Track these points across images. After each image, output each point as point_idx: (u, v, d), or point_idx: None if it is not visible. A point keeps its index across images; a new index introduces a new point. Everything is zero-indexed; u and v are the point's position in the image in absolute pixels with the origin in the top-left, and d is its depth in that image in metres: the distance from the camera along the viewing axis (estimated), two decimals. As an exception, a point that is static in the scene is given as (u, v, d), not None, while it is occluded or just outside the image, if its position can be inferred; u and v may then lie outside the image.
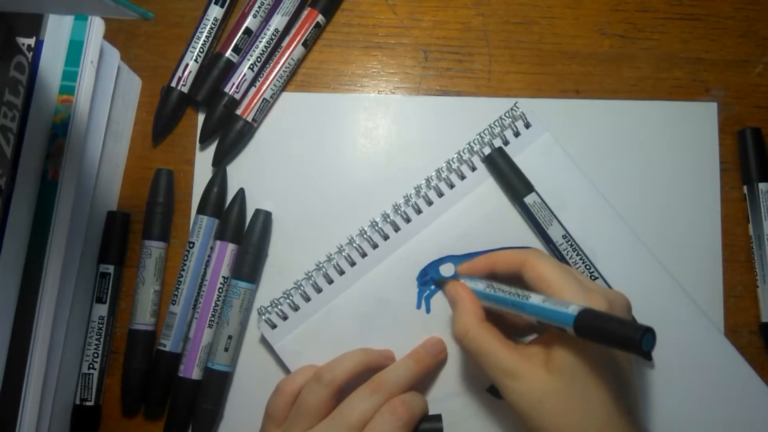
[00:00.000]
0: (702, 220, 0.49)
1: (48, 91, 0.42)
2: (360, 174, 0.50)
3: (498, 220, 0.48)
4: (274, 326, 0.47)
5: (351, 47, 0.52)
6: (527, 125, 0.48)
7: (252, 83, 0.50)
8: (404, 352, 0.47)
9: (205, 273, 0.48)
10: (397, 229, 0.48)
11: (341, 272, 0.48)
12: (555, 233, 0.47)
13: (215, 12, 0.50)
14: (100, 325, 0.47)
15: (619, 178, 0.49)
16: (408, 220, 0.48)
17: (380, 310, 0.48)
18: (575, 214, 0.48)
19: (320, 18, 0.51)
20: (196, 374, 0.47)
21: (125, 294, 0.49)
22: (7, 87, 0.39)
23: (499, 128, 0.48)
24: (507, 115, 0.49)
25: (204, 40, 0.50)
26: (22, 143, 0.41)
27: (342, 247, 0.48)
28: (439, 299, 0.48)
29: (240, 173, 0.50)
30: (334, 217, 0.49)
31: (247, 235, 0.48)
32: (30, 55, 0.42)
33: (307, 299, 0.47)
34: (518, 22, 0.52)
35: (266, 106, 0.50)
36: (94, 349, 0.47)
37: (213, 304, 0.47)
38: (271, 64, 0.50)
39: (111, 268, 0.48)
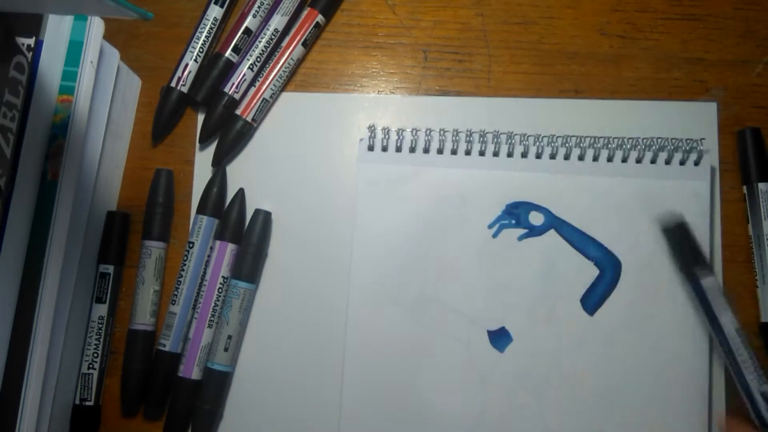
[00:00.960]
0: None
1: (48, 91, 0.42)
2: (360, 174, 0.50)
3: (623, 217, 0.48)
4: (371, 148, 0.48)
5: (351, 47, 0.52)
6: (697, 162, 0.48)
7: (252, 83, 0.50)
8: (456, 250, 0.48)
9: (204, 273, 0.48)
10: (539, 155, 0.48)
11: (453, 152, 0.48)
12: (727, 324, 0.44)
13: (215, 12, 0.50)
14: (100, 325, 0.47)
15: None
16: (553, 157, 0.48)
17: (456, 203, 0.48)
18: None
19: (320, 18, 0.51)
20: (195, 374, 0.47)
21: (125, 294, 0.49)
22: (7, 87, 0.39)
23: (672, 147, 0.48)
24: (687, 141, 0.48)
25: (204, 40, 0.50)
26: (21, 143, 0.41)
27: (470, 133, 0.48)
28: (510, 234, 0.48)
29: (240, 173, 0.50)
30: (334, 217, 0.49)
31: (247, 235, 0.48)
32: (30, 55, 0.42)
33: (413, 151, 0.48)
34: (518, 22, 0.52)
35: (266, 106, 0.50)
36: (94, 349, 0.47)
37: (213, 304, 0.47)
38: (271, 64, 0.50)
39: (111, 269, 0.48)
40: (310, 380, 0.48)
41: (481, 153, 0.49)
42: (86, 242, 0.46)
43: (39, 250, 0.41)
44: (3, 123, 0.39)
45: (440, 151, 0.49)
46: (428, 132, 0.49)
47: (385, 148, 0.49)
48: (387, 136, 0.49)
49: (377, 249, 0.48)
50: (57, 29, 0.44)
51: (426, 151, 0.49)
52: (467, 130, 0.49)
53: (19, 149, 0.41)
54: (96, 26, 0.44)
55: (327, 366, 0.48)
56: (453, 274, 0.48)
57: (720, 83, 0.51)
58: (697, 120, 0.50)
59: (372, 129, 0.49)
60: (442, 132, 0.49)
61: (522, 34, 0.51)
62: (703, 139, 0.48)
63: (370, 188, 0.48)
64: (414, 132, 0.49)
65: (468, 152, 0.49)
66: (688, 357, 0.46)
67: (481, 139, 0.49)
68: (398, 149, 0.49)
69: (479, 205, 0.48)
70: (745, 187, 0.49)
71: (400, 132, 0.49)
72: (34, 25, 0.43)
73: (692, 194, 0.48)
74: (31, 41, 0.43)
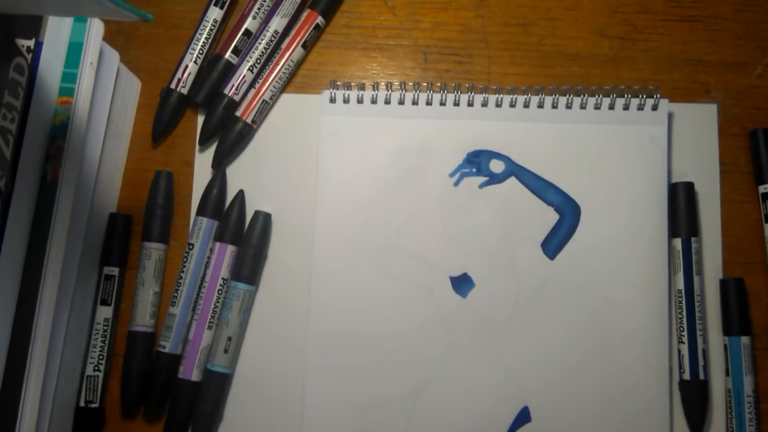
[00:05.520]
0: (701, 222, 0.49)
1: (47, 92, 0.43)
2: (359, 175, 0.50)
3: (582, 162, 0.49)
4: (333, 100, 0.49)
5: (350, 49, 0.52)
6: (654, 108, 0.49)
7: (251, 85, 0.50)
8: (419, 199, 0.49)
9: (204, 274, 0.48)
10: (499, 104, 0.49)
11: (414, 103, 0.49)
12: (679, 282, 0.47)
13: (215, 13, 0.50)
14: (105, 327, 0.47)
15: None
16: (513, 105, 0.49)
17: (418, 152, 0.49)
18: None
19: (320, 19, 0.51)
20: (195, 376, 0.47)
21: (125, 296, 0.49)
22: (7, 89, 0.39)
23: (630, 93, 0.49)
24: (644, 87, 0.49)
25: (203, 42, 0.50)
26: (21, 145, 0.41)
27: (431, 85, 0.49)
28: (471, 182, 0.49)
29: (239, 175, 0.50)
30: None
31: (247, 237, 0.48)
32: (29, 56, 0.42)
33: (374, 102, 0.49)
34: (518, 23, 0.52)
35: (266, 108, 0.50)
36: (99, 351, 0.47)
37: (212, 306, 0.47)
38: (271, 66, 0.50)
39: (116, 271, 0.48)
40: (309, 382, 0.48)
41: (442, 103, 0.49)
42: (86, 243, 0.46)
43: (39, 250, 0.41)
44: (3, 124, 0.39)
45: (401, 102, 0.49)
46: (389, 84, 0.49)
47: (346, 100, 0.49)
48: (349, 89, 0.49)
49: (341, 200, 0.49)
50: (57, 31, 0.44)
51: (387, 102, 0.49)
52: (428, 83, 0.50)
53: (19, 151, 0.41)
54: (96, 28, 0.44)
55: (326, 367, 0.48)
56: (416, 222, 0.48)
57: (720, 85, 0.51)
58: (696, 122, 0.50)
59: (333, 83, 0.49)
60: (403, 84, 0.50)
61: (522, 36, 0.51)
62: (659, 86, 0.49)
63: (333, 140, 0.49)
64: (375, 84, 0.50)
65: (429, 102, 0.49)
66: (647, 299, 0.47)
67: (442, 89, 0.49)
68: (360, 101, 0.49)
69: (441, 154, 0.49)
70: (760, 188, 0.49)
71: (361, 84, 0.49)
72: (33, 26, 0.43)
73: (649, 138, 0.49)
74: (31, 43, 0.43)
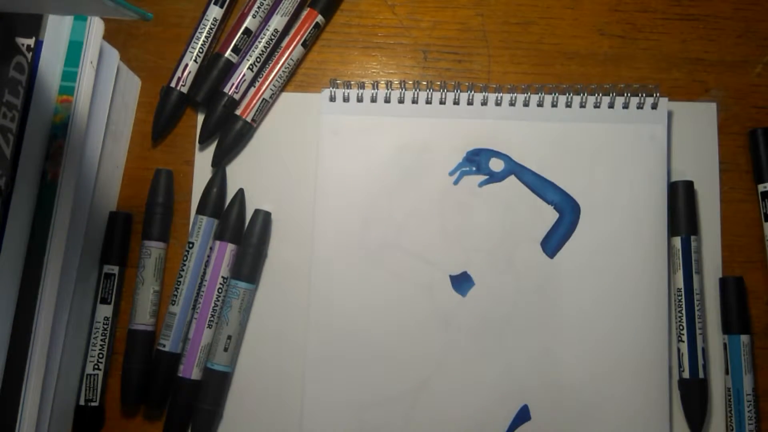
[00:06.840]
0: (701, 220, 0.49)
1: (47, 91, 0.43)
2: (359, 174, 0.50)
3: (581, 161, 0.49)
4: (333, 99, 0.49)
5: (350, 47, 0.52)
6: (654, 106, 0.49)
7: (251, 83, 0.50)
8: (418, 198, 0.49)
9: (204, 273, 0.48)
10: (499, 103, 0.49)
11: (414, 101, 0.49)
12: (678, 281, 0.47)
13: (215, 12, 0.50)
14: (105, 326, 0.47)
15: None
16: (512, 104, 0.49)
17: (417, 151, 0.49)
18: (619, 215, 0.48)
19: (319, 18, 0.51)
20: (195, 374, 0.47)
21: (125, 294, 0.49)
22: (7, 87, 0.39)
23: (630, 92, 0.49)
24: (643, 86, 0.49)
25: (203, 41, 0.50)
26: (21, 144, 0.41)
27: (431, 84, 0.49)
28: (471, 180, 0.49)
29: (239, 173, 0.50)
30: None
31: (247, 236, 0.48)
32: (29, 55, 0.42)
33: (374, 101, 0.49)
34: (517, 22, 0.52)
35: (266, 107, 0.50)
36: (99, 349, 0.47)
37: (212, 304, 0.47)
38: (271, 65, 0.50)
39: (116, 269, 0.48)
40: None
41: (442, 102, 0.49)
42: (86, 242, 0.46)
43: (39, 250, 0.41)
44: (3, 123, 0.39)
45: (401, 101, 0.49)
46: (389, 83, 0.49)
47: (346, 99, 0.49)
48: (348, 87, 0.49)
49: (340, 199, 0.49)
50: (57, 29, 0.44)
51: (387, 101, 0.49)
52: (428, 81, 0.50)
53: (19, 149, 0.41)
54: (96, 26, 0.44)
55: (326, 366, 0.48)
56: (415, 221, 0.48)
57: (720, 83, 0.51)
58: (696, 120, 0.50)
59: (333, 82, 0.49)
60: (402, 82, 0.50)
61: (521, 35, 0.52)
62: (659, 85, 0.49)
63: (333, 139, 0.49)
64: (375, 83, 0.50)
65: (429, 101, 0.49)
66: (647, 298, 0.47)
67: (442, 88, 0.49)
68: (360, 100, 0.49)
69: (440, 153, 0.49)
70: (759, 186, 0.49)
71: (361, 83, 0.49)
72: (34, 25, 0.43)
73: (649, 137, 0.49)
74: (31, 41, 0.43)
